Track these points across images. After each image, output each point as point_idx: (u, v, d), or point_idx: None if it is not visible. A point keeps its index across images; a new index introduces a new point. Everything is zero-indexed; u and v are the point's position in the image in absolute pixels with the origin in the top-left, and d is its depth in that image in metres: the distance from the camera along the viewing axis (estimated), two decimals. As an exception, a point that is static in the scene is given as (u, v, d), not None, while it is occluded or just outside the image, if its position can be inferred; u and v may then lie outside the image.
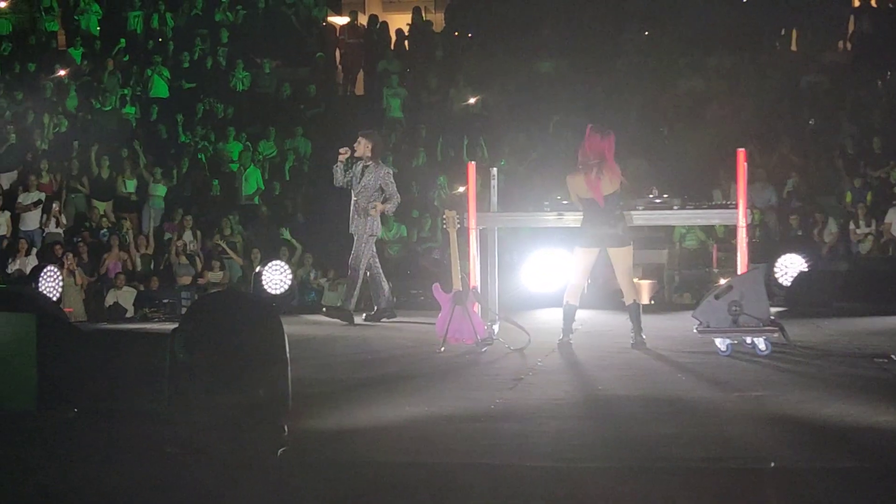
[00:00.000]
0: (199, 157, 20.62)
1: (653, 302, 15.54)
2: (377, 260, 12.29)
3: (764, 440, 5.97)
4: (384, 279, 12.28)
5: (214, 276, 17.77)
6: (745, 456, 5.63)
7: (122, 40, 23.87)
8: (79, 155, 20.70)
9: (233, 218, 19.00)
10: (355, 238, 12.04)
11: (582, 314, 10.25)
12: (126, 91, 22.38)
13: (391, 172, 12.54)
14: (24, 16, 24.96)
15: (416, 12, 23.99)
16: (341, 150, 12.19)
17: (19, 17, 24.93)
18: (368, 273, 12.09)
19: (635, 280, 15.98)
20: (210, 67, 23.17)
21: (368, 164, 12.08)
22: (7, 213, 19.26)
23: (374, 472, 5.55)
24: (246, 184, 20.09)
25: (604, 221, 9.64)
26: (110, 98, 22.02)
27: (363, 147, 12.08)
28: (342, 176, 12.19)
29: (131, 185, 20.05)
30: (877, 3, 21.85)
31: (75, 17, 24.75)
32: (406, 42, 23.91)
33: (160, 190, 19.90)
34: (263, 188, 20.14)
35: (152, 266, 18.61)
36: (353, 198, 12.06)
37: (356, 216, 12.02)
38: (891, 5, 21.91)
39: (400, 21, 24.39)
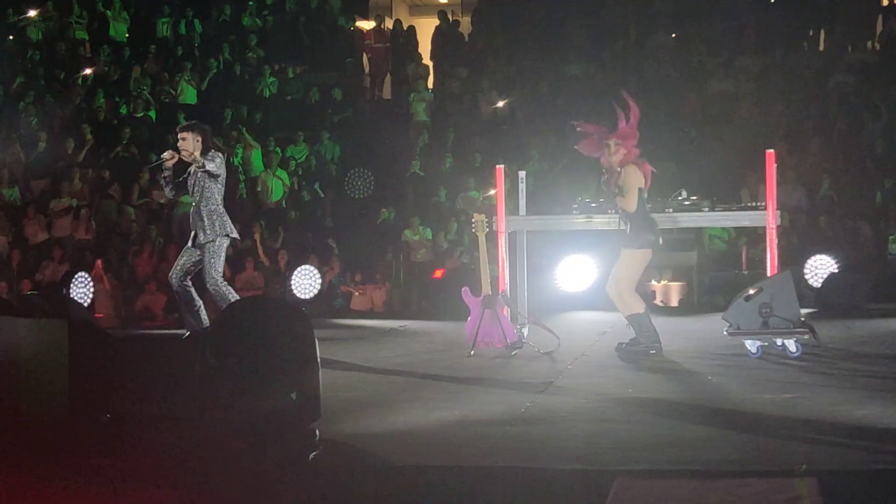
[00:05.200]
0: (234, 161, 20.70)
1: (678, 304, 15.54)
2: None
3: (796, 443, 5.95)
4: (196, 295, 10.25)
5: (245, 279, 17.83)
6: (777, 458, 5.61)
7: (153, 46, 24.05)
8: (109, 162, 20.83)
9: (262, 223, 19.07)
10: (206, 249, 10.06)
11: (609, 317, 10.22)
12: (148, 97, 22.51)
13: (220, 156, 10.29)
14: (53, 24, 25.11)
15: (443, 16, 24.02)
16: (166, 155, 10.16)
17: (49, 24, 25.09)
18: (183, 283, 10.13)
19: (665, 282, 16.09)
20: (238, 73, 23.28)
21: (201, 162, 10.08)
22: (41, 219, 19.41)
23: (405, 476, 5.56)
24: (273, 189, 20.15)
25: (654, 222, 9.54)
26: (138, 104, 22.17)
27: (191, 143, 10.06)
28: (168, 186, 10.48)
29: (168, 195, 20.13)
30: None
31: (102, 24, 24.94)
32: (433, 46, 23.92)
33: (186, 197, 19.95)
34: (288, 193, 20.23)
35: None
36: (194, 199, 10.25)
37: (198, 224, 10.13)
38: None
39: (426, 25, 24.43)
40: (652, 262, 9.85)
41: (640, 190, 9.40)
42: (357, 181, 19.71)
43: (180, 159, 10.22)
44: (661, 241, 9.54)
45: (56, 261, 18.31)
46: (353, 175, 19.81)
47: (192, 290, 10.12)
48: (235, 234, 10.45)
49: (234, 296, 10.07)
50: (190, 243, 10.19)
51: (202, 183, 10.12)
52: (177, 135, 10.34)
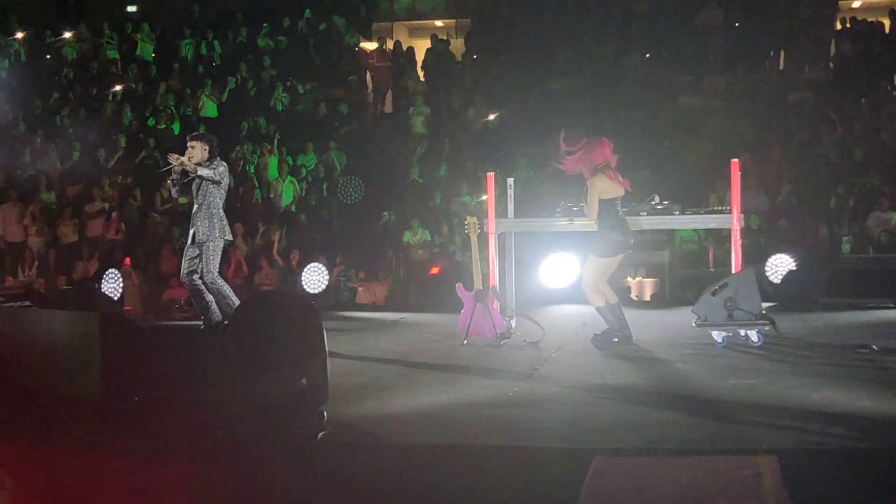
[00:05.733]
0: (249, 168, 20.67)
1: (651, 298, 15.55)
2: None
3: (757, 424, 5.96)
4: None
5: (264, 275, 17.84)
6: (740, 438, 5.62)
7: (176, 65, 24.05)
8: (136, 169, 20.84)
9: (274, 225, 19.10)
10: (204, 247, 10.04)
11: (589, 310, 10.20)
12: (172, 111, 22.52)
13: (222, 164, 10.27)
14: (86, 45, 25.12)
15: (435, 39, 24.05)
16: (173, 158, 10.17)
17: (82, 45, 25.10)
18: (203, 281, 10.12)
19: (639, 278, 16.11)
20: (253, 89, 23.28)
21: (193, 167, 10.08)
22: (75, 222, 19.42)
23: (404, 454, 5.57)
24: (285, 194, 20.16)
25: (627, 226, 9.52)
26: (162, 117, 22.17)
27: (198, 151, 10.14)
28: (175, 188, 10.38)
29: (183, 199, 20.13)
30: (855, 27, 21.80)
31: (131, 45, 24.98)
32: (429, 64, 23.92)
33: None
34: (299, 197, 20.24)
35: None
36: (196, 201, 10.15)
37: (197, 224, 10.07)
38: (866, 28, 21.82)
39: (424, 46, 24.42)
40: (627, 261, 9.87)
41: (608, 199, 9.40)
42: (348, 188, 19.77)
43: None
44: (631, 241, 9.49)
45: (88, 259, 18.31)
46: (345, 183, 19.88)
47: (201, 285, 10.08)
48: (230, 237, 10.36)
49: (230, 291, 10.10)
50: (189, 241, 10.18)
51: (205, 187, 10.10)
52: (187, 143, 10.35)
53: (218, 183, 10.08)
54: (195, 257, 10.08)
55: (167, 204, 19.89)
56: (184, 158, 10.11)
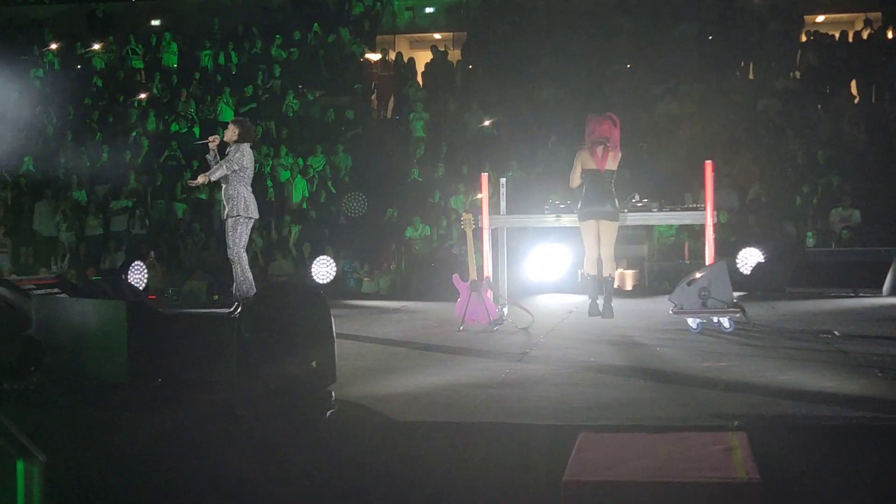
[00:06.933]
0: (265, 169, 20.67)
1: (632, 288, 15.55)
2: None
3: (729, 403, 5.96)
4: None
5: (279, 266, 17.83)
6: (714, 415, 5.62)
7: (197, 74, 24.03)
8: (160, 168, 20.83)
9: (287, 219, 19.10)
10: (226, 223, 10.19)
11: (575, 299, 10.23)
12: (193, 116, 22.50)
13: (246, 149, 10.26)
14: (113, 55, 25.12)
15: (436, 50, 24.04)
16: (210, 138, 10.49)
17: (110, 55, 25.09)
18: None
19: (621, 270, 16.12)
20: (267, 96, 23.25)
21: (230, 147, 10.26)
22: (100, 217, 19.41)
23: (406, 430, 5.56)
24: (295, 192, 20.14)
25: (600, 197, 9.66)
26: (184, 122, 22.15)
27: (231, 132, 10.29)
28: (214, 163, 10.35)
29: (203, 194, 20.16)
30: (818, 39, 21.81)
31: (155, 56, 24.97)
32: (429, 74, 23.90)
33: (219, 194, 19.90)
34: (308, 195, 20.21)
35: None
36: (223, 184, 10.25)
37: (223, 202, 10.24)
38: (829, 41, 21.83)
39: (424, 57, 24.41)
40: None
41: (588, 170, 9.79)
42: (352, 203, 19.69)
43: (221, 143, 10.37)
44: (596, 210, 9.74)
45: (115, 251, 18.30)
46: (349, 198, 19.76)
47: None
48: (254, 215, 10.24)
49: (245, 270, 10.07)
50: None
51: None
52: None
53: (236, 171, 10.09)
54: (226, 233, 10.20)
55: (184, 194, 19.90)
56: (213, 146, 10.30)
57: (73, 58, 25.12)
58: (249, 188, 10.20)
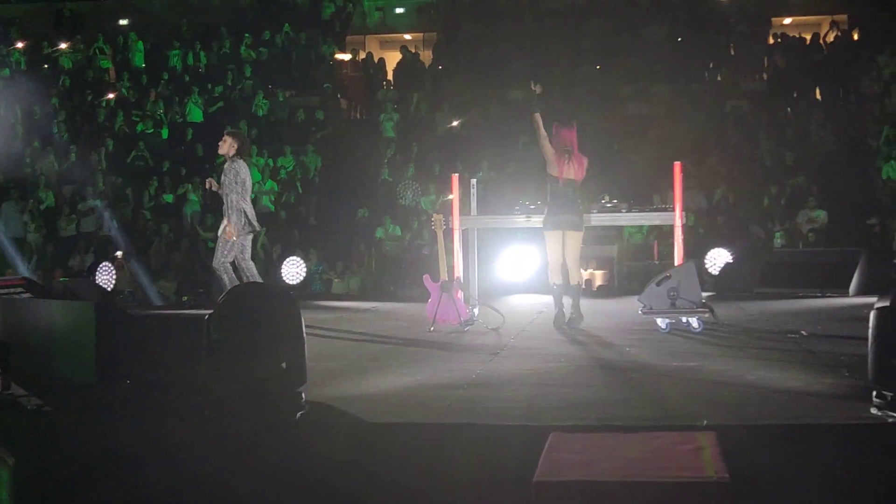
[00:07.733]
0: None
1: (596, 289, 15.60)
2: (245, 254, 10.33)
3: (697, 402, 5.99)
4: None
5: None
6: (683, 415, 5.65)
7: (165, 74, 23.89)
8: (126, 169, 20.70)
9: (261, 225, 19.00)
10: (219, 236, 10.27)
11: (544, 299, 10.24)
12: (161, 116, 22.38)
13: (241, 165, 10.26)
14: (81, 55, 24.94)
15: (405, 50, 24.03)
16: (208, 183, 10.55)
17: (77, 55, 24.91)
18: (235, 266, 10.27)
19: (590, 270, 16.17)
20: (236, 96, 23.15)
21: (226, 165, 10.32)
22: (74, 218, 19.29)
23: (375, 431, 5.56)
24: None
25: (563, 208, 9.63)
26: (151, 122, 22.02)
27: (228, 145, 10.28)
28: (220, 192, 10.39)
29: (169, 197, 20.06)
30: (786, 41, 21.99)
31: (123, 55, 24.81)
32: (399, 74, 23.88)
33: (195, 196, 19.82)
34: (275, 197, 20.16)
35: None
36: (223, 199, 10.30)
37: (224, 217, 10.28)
38: (796, 43, 22.02)
39: (394, 57, 24.39)
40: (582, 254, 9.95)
41: (552, 177, 9.66)
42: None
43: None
44: (559, 220, 9.68)
45: (83, 252, 18.16)
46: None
47: (240, 273, 10.20)
48: (255, 229, 10.33)
49: (227, 282, 10.02)
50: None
51: (227, 189, 10.19)
52: (224, 134, 10.53)
53: (235, 181, 10.14)
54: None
55: (152, 202, 19.79)
56: (215, 185, 10.31)
57: (40, 57, 24.91)
58: (248, 201, 10.30)
